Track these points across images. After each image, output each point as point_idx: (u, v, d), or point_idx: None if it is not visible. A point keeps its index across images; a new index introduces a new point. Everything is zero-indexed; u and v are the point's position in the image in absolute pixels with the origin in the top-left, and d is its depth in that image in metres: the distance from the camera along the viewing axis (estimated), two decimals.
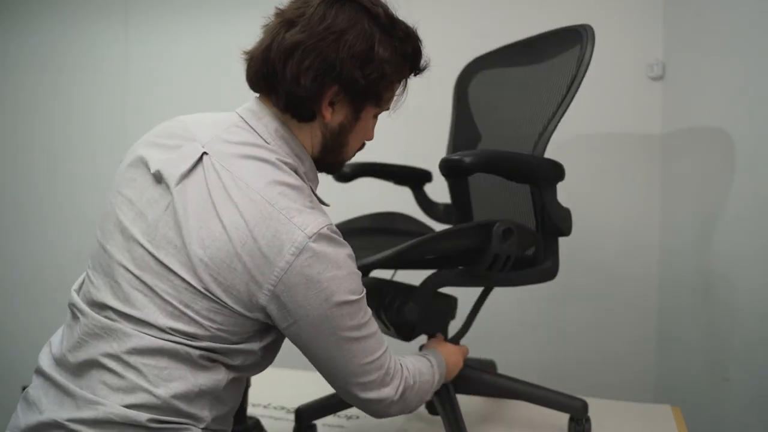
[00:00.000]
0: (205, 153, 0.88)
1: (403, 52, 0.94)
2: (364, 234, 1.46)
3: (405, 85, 0.99)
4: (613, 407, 1.48)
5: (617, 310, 1.87)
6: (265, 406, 1.55)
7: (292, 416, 1.33)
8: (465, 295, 1.32)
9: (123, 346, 0.82)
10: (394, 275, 1.42)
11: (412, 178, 1.63)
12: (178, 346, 0.82)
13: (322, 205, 0.93)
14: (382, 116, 1.01)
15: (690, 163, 1.68)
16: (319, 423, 1.35)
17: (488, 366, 1.64)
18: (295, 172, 0.90)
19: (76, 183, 2.39)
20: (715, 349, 1.53)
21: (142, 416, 0.79)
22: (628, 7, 1.84)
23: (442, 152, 1.59)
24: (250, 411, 1.41)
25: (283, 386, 1.63)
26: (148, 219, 0.86)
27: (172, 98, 2.27)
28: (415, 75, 1.00)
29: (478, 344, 1.65)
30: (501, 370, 1.61)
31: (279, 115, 0.93)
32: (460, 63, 1.57)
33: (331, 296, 0.83)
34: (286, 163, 0.89)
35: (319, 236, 0.82)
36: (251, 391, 1.36)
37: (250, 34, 0.94)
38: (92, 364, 0.83)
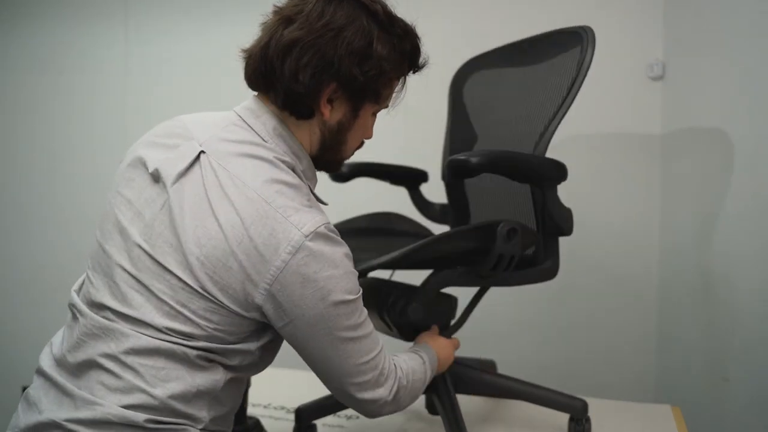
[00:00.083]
0: (202, 152, 0.87)
1: (402, 50, 0.94)
2: (362, 234, 1.46)
3: (404, 83, 0.99)
4: (613, 407, 1.48)
5: (617, 310, 1.87)
6: (265, 406, 1.55)
7: (292, 416, 1.33)
8: (461, 293, 1.31)
9: (121, 346, 0.82)
10: (392, 275, 1.42)
11: (408, 178, 1.63)
12: (175, 347, 0.82)
13: (320, 204, 0.93)
14: (380, 116, 1.01)
15: (690, 163, 1.68)
16: (319, 423, 1.35)
17: (488, 366, 1.64)
18: (293, 170, 0.90)
19: (76, 183, 2.39)
20: (715, 349, 1.53)
21: (140, 417, 0.79)
22: (628, 7, 1.84)
23: (438, 152, 1.59)
24: (250, 411, 1.41)
25: (283, 386, 1.63)
26: (146, 218, 0.86)
27: (172, 98, 2.27)
28: (413, 73, 1.00)
29: (478, 344, 1.66)
30: (501, 370, 1.61)
31: (277, 113, 0.93)
32: (459, 63, 1.57)
33: (328, 295, 0.83)
34: (283, 162, 0.89)
35: (316, 235, 0.82)
36: (251, 391, 1.36)
37: (251, 34, 0.94)
38: (90, 365, 0.83)
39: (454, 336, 1.27)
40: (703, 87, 1.60)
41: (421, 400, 1.43)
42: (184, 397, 0.82)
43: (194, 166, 0.87)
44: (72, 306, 0.90)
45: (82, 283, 0.93)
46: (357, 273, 0.89)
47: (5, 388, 2.23)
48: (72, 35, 2.39)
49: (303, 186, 0.89)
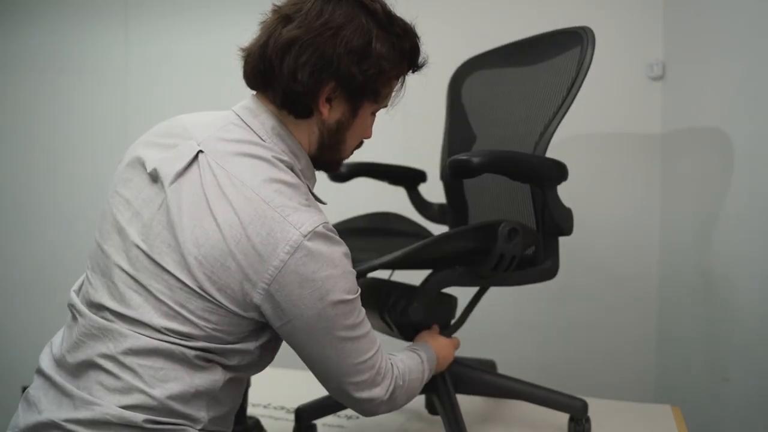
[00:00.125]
0: (200, 151, 0.87)
1: (401, 49, 0.93)
2: (361, 234, 1.46)
3: (403, 82, 0.99)
4: (613, 407, 1.48)
5: (617, 310, 1.87)
6: (265, 406, 1.55)
7: (292, 416, 1.33)
8: (461, 293, 1.31)
9: (119, 346, 0.82)
10: (391, 275, 1.42)
11: (407, 178, 1.63)
12: (174, 347, 0.82)
13: (319, 204, 0.93)
14: (379, 116, 1.01)
15: (690, 163, 1.68)
16: (319, 423, 1.35)
17: (488, 366, 1.64)
18: (291, 169, 0.90)
19: (76, 183, 2.39)
20: (715, 349, 1.53)
21: (138, 417, 0.79)
22: (628, 7, 1.84)
23: (437, 152, 1.59)
24: (250, 411, 1.41)
25: (283, 386, 1.63)
26: (144, 218, 0.86)
27: (172, 98, 2.27)
28: (413, 72, 0.99)
29: (478, 344, 1.66)
30: (501, 370, 1.61)
31: (276, 112, 0.92)
32: (458, 62, 1.57)
33: (326, 295, 0.83)
34: (282, 161, 0.89)
35: (315, 234, 0.82)
36: (251, 391, 1.36)
37: (251, 34, 0.94)
38: (89, 365, 0.83)
39: (454, 336, 1.27)
40: (703, 87, 1.60)
41: (421, 400, 1.44)
42: (183, 397, 0.82)
43: (192, 165, 0.87)
44: (71, 306, 0.90)
45: (82, 284, 0.93)
46: (355, 272, 0.88)
47: (5, 388, 2.23)
48: (72, 35, 2.39)
49: (301, 185, 0.88)
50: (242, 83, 0.95)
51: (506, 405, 1.49)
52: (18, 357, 2.24)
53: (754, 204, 1.36)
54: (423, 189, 1.64)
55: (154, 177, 0.88)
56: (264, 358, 0.92)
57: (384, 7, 0.92)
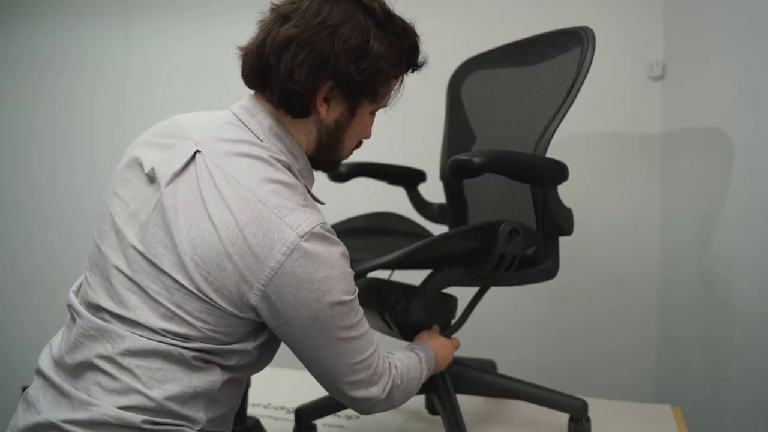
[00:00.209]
0: (198, 151, 0.87)
1: (400, 48, 0.93)
2: (360, 234, 1.46)
3: (401, 82, 0.98)
4: (613, 407, 1.48)
5: (617, 310, 1.87)
6: (265, 406, 1.55)
7: (292, 416, 1.33)
8: (461, 293, 1.31)
9: (117, 347, 0.82)
10: (391, 275, 1.42)
11: (407, 178, 1.63)
12: (172, 348, 0.81)
13: (317, 204, 0.92)
14: (378, 116, 1.01)
15: (690, 163, 1.68)
16: (319, 423, 1.35)
17: (488, 366, 1.64)
18: (289, 169, 0.89)
19: (76, 183, 2.39)
20: (715, 349, 1.52)
21: (137, 418, 0.79)
22: (628, 7, 1.84)
23: (436, 152, 1.59)
24: (250, 411, 1.41)
25: (283, 386, 1.63)
26: (141, 219, 0.86)
27: (172, 99, 2.27)
28: (412, 71, 0.99)
29: (478, 344, 1.66)
30: (501, 370, 1.61)
31: (273, 111, 0.92)
32: (458, 62, 1.57)
33: (323, 296, 0.82)
34: (279, 161, 0.88)
35: (312, 235, 0.81)
36: (251, 391, 1.36)
37: (250, 34, 0.93)
38: (87, 366, 0.83)
39: (454, 336, 1.27)
40: (703, 87, 1.60)
41: (421, 399, 1.44)
42: (181, 398, 0.82)
43: (189, 166, 0.86)
44: (70, 307, 0.90)
45: (81, 284, 0.93)
46: (353, 273, 0.88)
47: (5, 388, 2.23)
48: (72, 35, 2.39)
49: (299, 185, 0.88)
50: (242, 83, 0.95)
51: (506, 405, 1.49)
52: (18, 357, 2.24)
53: (754, 204, 1.36)
54: (423, 189, 1.64)
55: (152, 178, 0.87)
56: (263, 358, 0.92)
57: (383, 5, 0.92)
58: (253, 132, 0.90)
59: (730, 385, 1.45)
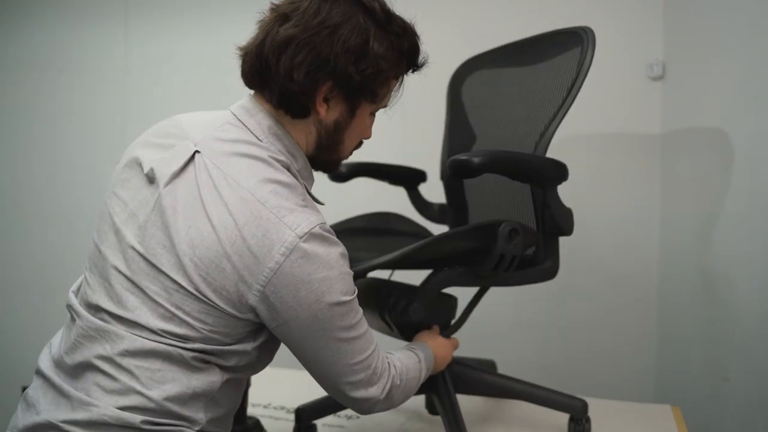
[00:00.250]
0: (197, 151, 0.87)
1: (400, 48, 0.92)
2: (359, 234, 1.46)
3: (401, 82, 0.98)
4: (613, 407, 1.48)
5: (617, 310, 1.87)
6: (265, 406, 1.55)
7: (292, 416, 1.33)
8: (461, 293, 1.32)
9: (116, 348, 0.81)
10: (391, 275, 1.42)
11: (407, 178, 1.63)
12: (171, 348, 0.81)
13: (317, 204, 0.92)
14: (378, 115, 1.00)
15: (690, 163, 1.68)
16: (319, 423, 1.35)
17: (488, 366, 1.64)
18: (288, 169, 0.89)
19: (76, 183, 2.39)
20: (715, 349, 1.52)
21: (136, 418, 0.79)
22: (628, 7, 1.84)
23: (437, 152, 1.59)
24: (250, 411, 1.41)
25: (283, 386, 1.63)
26: (140, 220, 0.86)
27: (172, 98, 2.27)
28: (413, 72, 0.98)
29: (478, 344, 1.66)
30: (501, 370, 1.61)
31: (273, 112, 0.92)
32: (458, 62, 1.57)
33: (322, 297, 0.82)
34: (278, 161, 0.88)
35: (311, 236, 0.81)
36: (251, 391, 1.36)
37: (250, 34, 0.93)
38: (87, 367, 0.83)
39: (453, 336, 1.27)
40: (703, 87, 1.60)
41: (421, 399, 1.44)
42: (180, 398, 0.82)
43: (188, 166, 0.86)
44: (69, 307, 0.90)
45: (80, 285, 0.93)
46: (352, 273, 0.88)
47: (5, 388, 2.23)
48: (72, 35, 2.39)
49: (298, 186, 0.88)
50: (242, 83, 0.95)
51: (506, 405, 1.49)
52: (18, 357, 2.24)
53: (754, 204, 1.36)
54: (423, 189, 1.64)
55: (151, 178, 0.87)
56: (262, 358, 0.91)
57: (383, 5, 0.91)
58: (252, 132, 0.90)
59: (730, 385, 1.45)
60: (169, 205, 0.84)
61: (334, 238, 0.86)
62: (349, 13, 0.88)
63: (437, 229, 1.52)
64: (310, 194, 0.93)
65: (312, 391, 1.28)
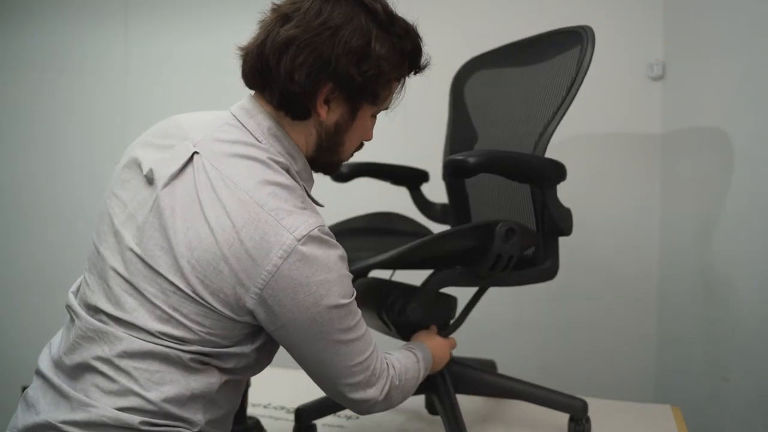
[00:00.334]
0: (196, 152, 0.86)
1: (402, 50, 0.92)
2: (361, 234, 1.46)
3: (403, 84, 0.97)
4: (613, 407, 1.48)
5: (617, 310, 1.87)
6: (265, 406, 1.55)
7: (292, 416, 1.33)
8: (460, 293, 1.31)
9: (114, 349, 0.81)
10: (392, 275, 1.42)
11: (409, 178, 1.62)
12: (169, 350, 0.81)
13: (316, 206, 0.91)
14: (380, 115, 1.00)
15: (690, 163, 1.68)
16: (319, 423, 1.35)
17: (488, 366, 1.64)
18: (287, 171, 0.89)
19: (76, 183, 2.39)
20: (715, 349, 1.52)
21: (135, 419, 0.79)
22: (628, 7, 1.84)
23: (439, 152, 1.59)
24: (250, 411, 1.41)
25: (283, 386, 1.63)
26: (138, 221, 0.85)
27: (172, 98, 2.27)
28: (415, 74, 0.98)
29: (478, 344, 1.66)
30: (501, 370, 1.61)
31: (273, 113, 0.91)
32: (459, 63, 1.57)
33: (321, 300, 0.82)
34: (277, 162, 0.87)
35: (309, 238, 0.81)
36: (251, 391, 1.36)
37: (251, 34, 0.93)
38: (85, 368, 0.82)
39: (452, 336, 1.27)
40: (703, 87, 1.60)
41: (421, 400, 1.44)
42: (179, 400, 0.81)
43: (187, 167, 0.85)
44: (69, 308, 0.90)
45: (80, 285, 0.93)
46: (351, 275, 0.87)
47: (5, 388, 2.23)
48: (72, 35, 2.39)
49: (297, 187, 0.87)
50: (242, 83, 0.94)
51: (506, 405, 1.49)
52: (18, 357, 2.23)
53: (754, 204, 1.36)
54: (426, 189, 1.63)
55: (150, 179, 0.87)
56: (260, 360, 0.91)
57: (385, 7, 0.91)
58: (251, 133, 0.89)
59: (730, 385, 1.45)
60: (167, 206, 0.83)
61: (333, 240, 0.85)
62: (351, 14, 0.87)
63: (440, 229, 1.51)
64: (309, 196, 0.93)
65: (312, 391, 1.27)
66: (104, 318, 0.84)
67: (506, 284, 1.25)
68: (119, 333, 0.82)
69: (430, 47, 0.98)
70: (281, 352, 0.95)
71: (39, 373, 0.87)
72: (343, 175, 1.51)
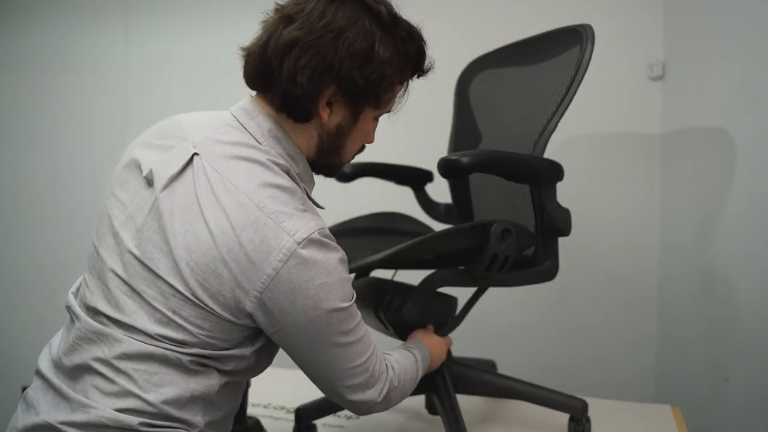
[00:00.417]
0: (195, 154, 0.86)
1: (405, 53, 0.91)
2: (364, 234, 1.46)
3: (406, 87, 0.97)
4: (613, 407, 1.48)
5: (617, 310, 1.87)
6: (265, 406, 1.55)
7: (292, 416, 1.33)
8: (461, 293, 1.31)
9: (113, 351, 0.81)
10: (395, 275, 1.42)
11: (414, 178, 1.62)
12: (168, 352, 0.81)
13: (317, 208, 0.91)
14: (382, 117, 0.99)
15: (690, 163, 1.68)
16: (319, 423, 1.35)
17: (488, 366, 1.64)
18: (288, 173, 0.88)
19: (76, 183, 2.39)
20: (715, 349, 1.52)
21: (134, 420, 0.79)
22: (628, 7, 1.84)
23: (443, 152, 1.59)
24: (250, 411, 1.41)
25: (283, 386, 1.63)
26: (137, 223, 0.85)
27: (172, 98, 2.27)
28: (418, 77, 0.97)
29: (478, 344, 1.66)
30: (501, 370, 1.61)
31: (274, 114, 0.90)
32: (462, 63, 1.57)
33: (320, 304, 0.81)
34: (277, 164, 0.87)
35: (309, 242, 0.80)
36: (251, 391, 1.36)
37: (251, 34, 0.92)
38: (85, 369, 0.82)
39: (450, 335, 1.27)
40: (703, 87, 1.60)
41: (421, 400, 1.44)
42: (178, 402, 0.81)
43: (187, 169, 0.85)
44: (69, 309, 0.90)
45: (79, 286, 0.92)
46: (351, 278, 0.87)
47: (5, 388, 2.23)
48: (72, 35, 2.39)
49: (297, 190, 0.86)
50: (242, 83, 0.94)
51: (506, 405, 1.49)
52: (18, 357, 2.23)
53: (754, 204, 1.36)
54: (430, 189, 1.63)
55: (150, 180, 0.86)
56: (260, 362, 0.91)
57: (389, 9, 0.89)
58: (251, 134, 0.89)
59: (730, 385, 1.45)
60: (167, 208, 0.83)
61: (334, 243, 0.84)
62: (354, 17, 0.86)
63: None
64: (310, 198, 0.92)
65: (312, 391, 1.27)
66: (104, 320, 0.84)
67: (505, 284, 1.25)
68: (119, 335, 0.82)
69: (433, 47, 0.97)
70: (281, 353, 0.95)
71: (39, 374, 0.87)
72: (346, 174, 1.51)
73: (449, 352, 1.29)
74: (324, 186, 0.99)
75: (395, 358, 1.01)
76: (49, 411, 0.82)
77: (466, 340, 1.33)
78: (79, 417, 0.79)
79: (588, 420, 1.27)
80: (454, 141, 1.55)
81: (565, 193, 1.21)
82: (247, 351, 0.87)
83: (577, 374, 1.87)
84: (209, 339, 0.83)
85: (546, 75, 1.30)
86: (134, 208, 0.86)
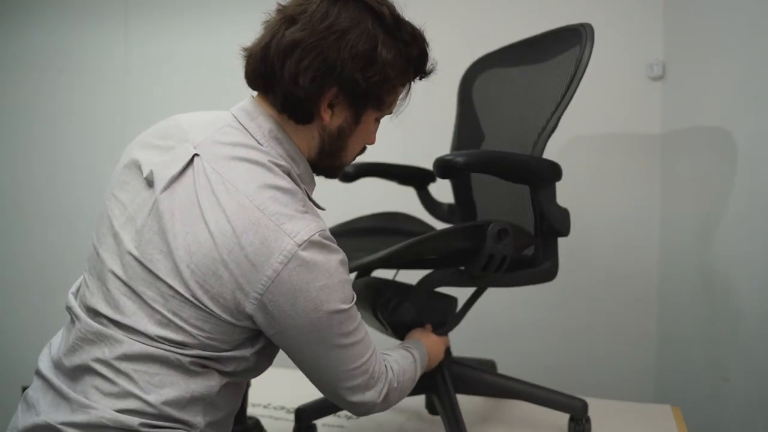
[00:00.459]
0: (196, 155, 0.85)
1: (408, 55, 0.91)
2: (366, 234, 1.46)
3: (409, 89, 0.96)
4: (613, 407, 1.48)
5: (617, 311, 1.87)
6: (265, 406, 1.55)
7: (292, 416, 1.33)
8: (461, 293, 1.31)
9: (114, 352, 0.81)
10: (396, 275, 1.42)
11: (416, 178, 1.62)
12: (169, 353, 0.81)
13: (318, 209, 0.91)
14: (384, 117, 0.99)
15: (690, 163, 1.68)
16: (319, 423, 1.35)
17: (488, 366, 1.64)
18: (288, 174, 0.88)
19: (76, 183, 2.39)
20: (715, 349, 1.52)
21: (134, 421, 0.78)
22: (628, 7, 1.84)
23: (444, 152, 1.58)
24: (250, 411, 1.41)
25: (283, 386, 1.63)
26: (137, 224, 0.85)
27: (172, 98, 2.27)
28: (420, 79, 0.97)
29: (478, 344, 1.66)
30: (501, 370, 1.61)
31: (275, 115, 0.90)
32: (462, 62, 1.57)
33: (321, 306, 0.81)
34: (278, 165, 0.86)
35: (310, 244, 0.80)
36: (251, 391, 1.36)
37: (251, 34, 0.92)
38: (85, 369, 0.82)
39: (450, 335, 1.27)
40: (703, 87, 1.60)
41: (421, 400, 1.44)
42: (179, 402, 0.81)
43: (187, 170, 0.85)
44: (69, 309, 0.89)
45: (80, 286, 0.92)
46: (351, 280, 0.87)
47: (5, 388, 2.23)
48: (72, 35, 2.39)
49: (298, 191, 0.86)
50: (243, 83, 0.94)
51: (506, 405, 1.49)
52: (18, 357, 2.24)
53: (754, 204, 1.36)
54: (433, 189, 1.63)
55: (150, 181, 0.86)
56: (260, 363, 0.91)
57: (392, 11, 0.89)
58: (252, 135, 0.88)
59: (730, 385, 1.45)
60: (167, 209, 0.83)
61: (334, 245, 0.84)
62: (357, 18, 0.86)
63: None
64: (311, 199, 0.92)
65: (312, 391, 1.27)
66: (104, 321, 0.83)
67: (505, 285, 1.24)
68: (119, 336, 0.82)
69: (434, 48, 0.97)
70: (281, 353, 0.95)
71: (39, 374, 0.87)
72: (349, 174, 1.50)
73: (449, 352, 1.30)
74: (327, 186, 0.99)
75: (394, 359, 1.01)
76: (49, 411, 0.82)
77: (466, 340, 1.33)
78: (80, 417, 0.79)
79: (588, 420, 1.27)
80: (457, 140, 1.55)
81: (565, 193, 1.21)
82: (247, 352, 0.86)
83: (577, 374, 1.87)
84: (209, 340, 0.82)
85: (547, 74, 1.30)
86: (134, 209, 0.86)
